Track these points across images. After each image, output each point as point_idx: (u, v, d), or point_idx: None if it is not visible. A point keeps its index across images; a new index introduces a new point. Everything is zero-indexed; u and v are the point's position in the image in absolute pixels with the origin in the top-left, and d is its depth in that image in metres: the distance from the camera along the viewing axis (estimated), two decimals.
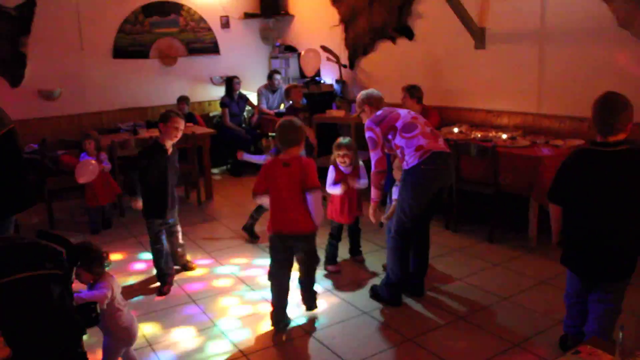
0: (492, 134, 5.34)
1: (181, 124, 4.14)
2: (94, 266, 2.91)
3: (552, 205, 3.03)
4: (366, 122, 3.93)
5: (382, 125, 3.82)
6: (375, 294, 3.97)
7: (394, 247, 3.83)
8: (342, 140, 4.40)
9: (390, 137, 3.79)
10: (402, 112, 3.90)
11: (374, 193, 3.98)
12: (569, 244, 3.00)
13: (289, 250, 3.60)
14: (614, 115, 2.72)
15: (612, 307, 2.92)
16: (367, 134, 3.87)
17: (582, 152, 2.88)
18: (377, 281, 4.12)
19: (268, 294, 3.73)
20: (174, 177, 4.32)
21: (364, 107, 4.07)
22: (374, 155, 3.88)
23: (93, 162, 5.45)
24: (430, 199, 3.74)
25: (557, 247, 3.09)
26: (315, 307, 3.82)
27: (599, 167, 2.77)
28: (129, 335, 3.03)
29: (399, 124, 3.77)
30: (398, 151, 3.77)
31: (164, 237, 4.28)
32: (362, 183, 4.35)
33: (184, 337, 3.54)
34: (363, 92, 4.15)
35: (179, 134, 4.18)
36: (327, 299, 4.01)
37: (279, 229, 3.53)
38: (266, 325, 3.63)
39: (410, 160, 3.66)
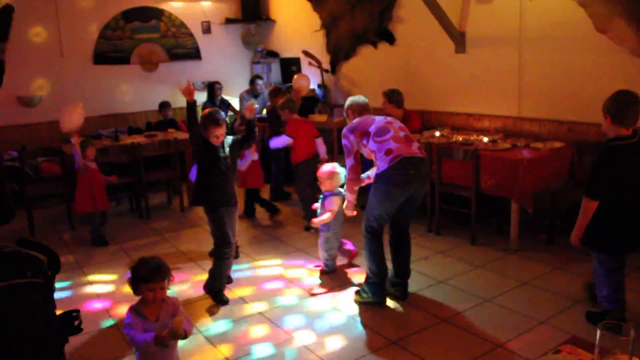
0: (473, 137, 5.39)
1: (219, 131, 3.87)
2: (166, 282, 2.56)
3: (590, 201, 3.28)
4: (343, 129, 4.00)
5: (356, 133, 3.92)
6: (358, 296, 4.00)
7: (366, 244, 3.92)
8: None
9: (365, 141, 3.86)
10: (378, 117, 3.97)
11: (348, 196, 4.14)
12: (601, 228, 3.29)
13: None
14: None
15: None
16: (343, 141, 3.99)
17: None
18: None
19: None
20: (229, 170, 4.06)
21: (348, 112, 4.22)
22: (347, 163, 4.00)
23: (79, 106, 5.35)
24: (398, 203, 3.77)
25: (580, 244, 3.39)
26: None
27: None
28: None
29: (372, 129, 3.85)
30: (373, 156, 3.82)
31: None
32: None
33: None
34: (348, 99, 4.26)
35: (221, 139, 3.94)
36: (310, 303, 4.03)
37: None
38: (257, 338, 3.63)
39: (380, 164, 3.73)
